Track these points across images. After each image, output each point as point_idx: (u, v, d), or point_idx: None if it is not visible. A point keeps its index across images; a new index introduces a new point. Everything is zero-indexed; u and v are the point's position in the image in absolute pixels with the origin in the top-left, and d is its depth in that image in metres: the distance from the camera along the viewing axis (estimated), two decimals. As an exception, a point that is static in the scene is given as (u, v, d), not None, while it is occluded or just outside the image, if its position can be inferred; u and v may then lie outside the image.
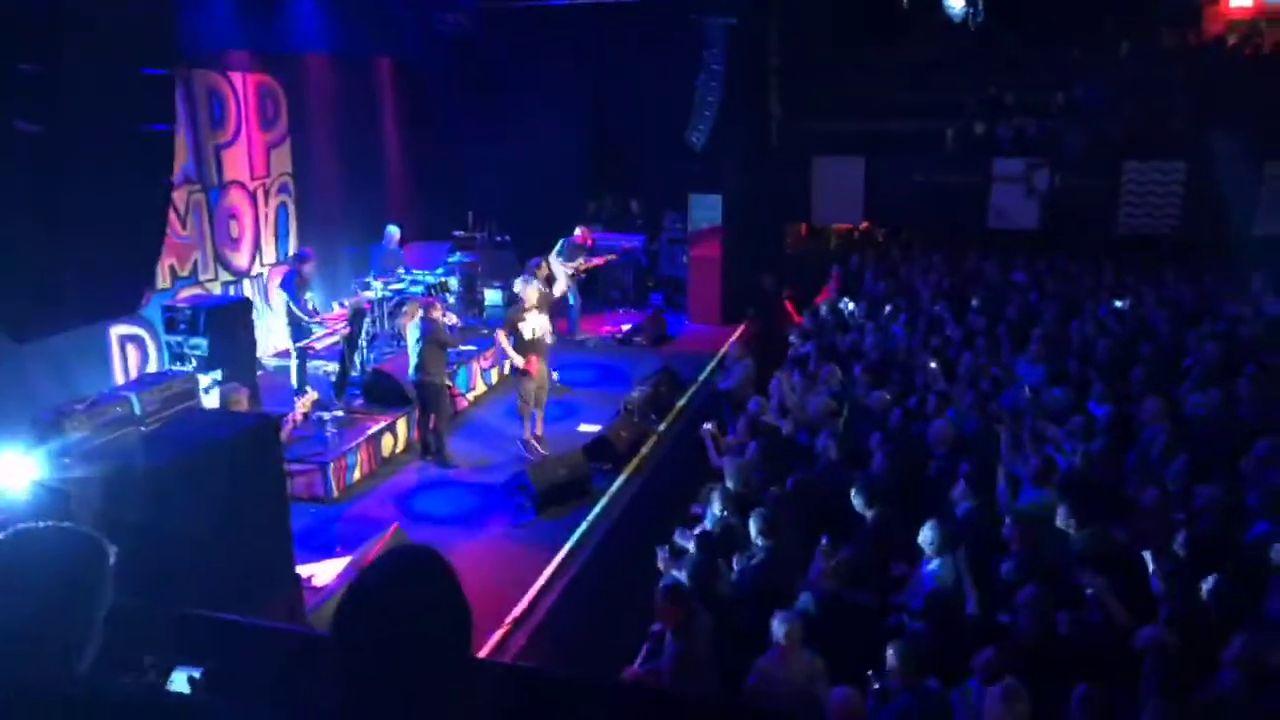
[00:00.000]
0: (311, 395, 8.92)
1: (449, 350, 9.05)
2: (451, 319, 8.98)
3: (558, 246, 12.33)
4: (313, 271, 9.92)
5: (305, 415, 8.76)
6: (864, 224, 17.03)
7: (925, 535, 5.48)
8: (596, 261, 12.89)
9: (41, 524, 1.77)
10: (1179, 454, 6.45)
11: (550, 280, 10.51)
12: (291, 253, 11.72)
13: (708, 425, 7.96)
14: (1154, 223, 13.67)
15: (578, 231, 12.69)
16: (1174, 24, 15.35)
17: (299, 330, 9.51)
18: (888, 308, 11.56)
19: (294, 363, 9.53)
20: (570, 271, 12.25)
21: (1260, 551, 5.22)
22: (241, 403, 7.29)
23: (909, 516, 5.99)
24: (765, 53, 15.13)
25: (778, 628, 4.69)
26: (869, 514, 6.01)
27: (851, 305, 11.98)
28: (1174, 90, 13.86)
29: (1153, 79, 14.24)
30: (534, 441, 9.05)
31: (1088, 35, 14.89)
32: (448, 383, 9.69)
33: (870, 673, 4.35)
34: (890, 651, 4.29)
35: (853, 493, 6.10)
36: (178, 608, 2.95)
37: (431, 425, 8.85)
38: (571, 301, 12.43)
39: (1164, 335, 9.77)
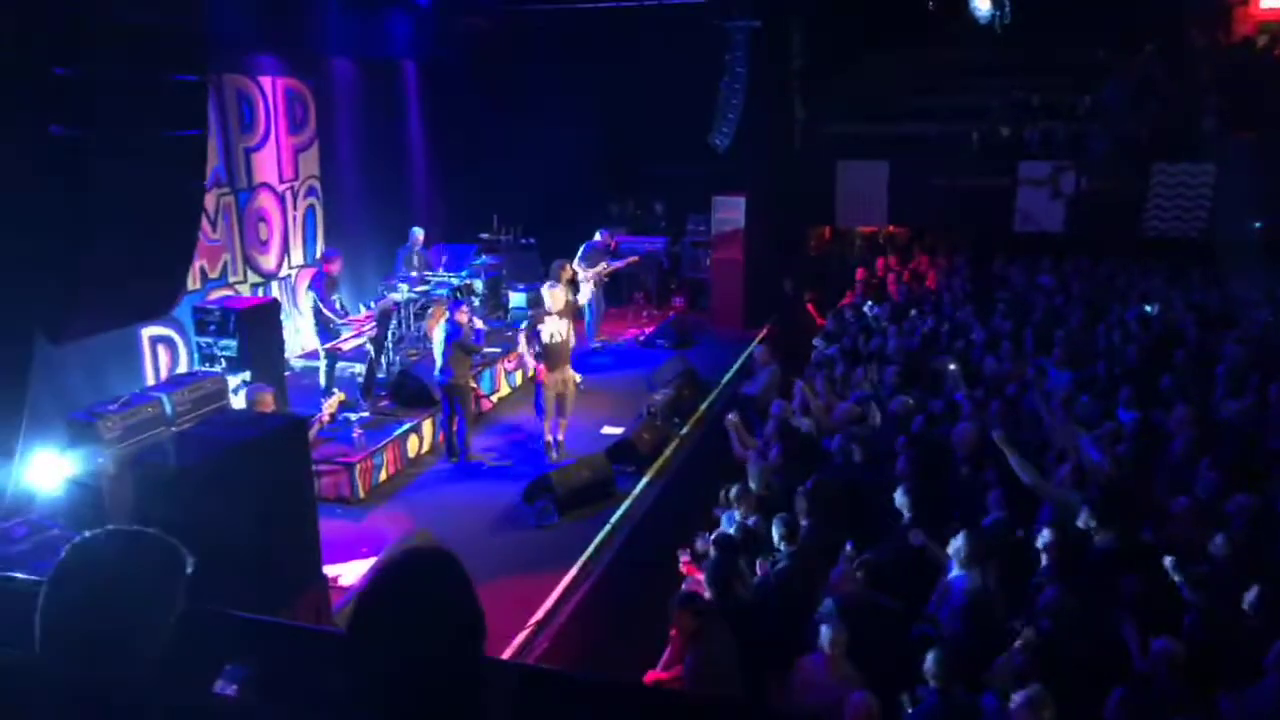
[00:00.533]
0: (338, 396, 9.01)
1: (476, 354, 9.11)
2: (478, 324, 9.03)
3: (580, 251, 12.33)
4: (340, 271, 10.01)
5: (332, 416, 8.85)
6: (890, 227, 16.97)
7: (955, 546, 5.41)
8: (618, 265, 12.86)
9: (122, 528, 1.82)
10: (1209, 461, 6.38)
11: (575, 283, 10.54)
12: (320, 256, 11.84)
13: (731, 416, 8.00)
14: (1182, 226, 13.54)
15: (599, 236, 12.67)
16: (1203, 25, 15.18)
17: (326, 332, 9.60)
18: (912, 311, 11.52)
19: (323, 364, 9.62)
20: (592, 276, 12.25)
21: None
22: (268, 403, 7.37)
23: (934, 520, 5.97)
24: (788, 55, 15.13)
25: (824, 635, 4.68)
26: (908, 515, 5.97)
27: (875, 308, 11.95)
28: (1203, 92, 13.72)
29: (1181, 81, 14.11)
30: (551, 445, 9.10)
31: (1115, 37, 14.76)
32: (472, 384, 9.76)
33: (904, 696, 4.36)
34: (928, 658, 4.28)
35: (898, 493, 6.06)
36: (211, 606, 3.00)
37: (455, 426, 8.92)
38: (591, 307, 12.38)
39: (1193, 340, 9.67)
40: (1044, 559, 5.37)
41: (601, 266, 12.37)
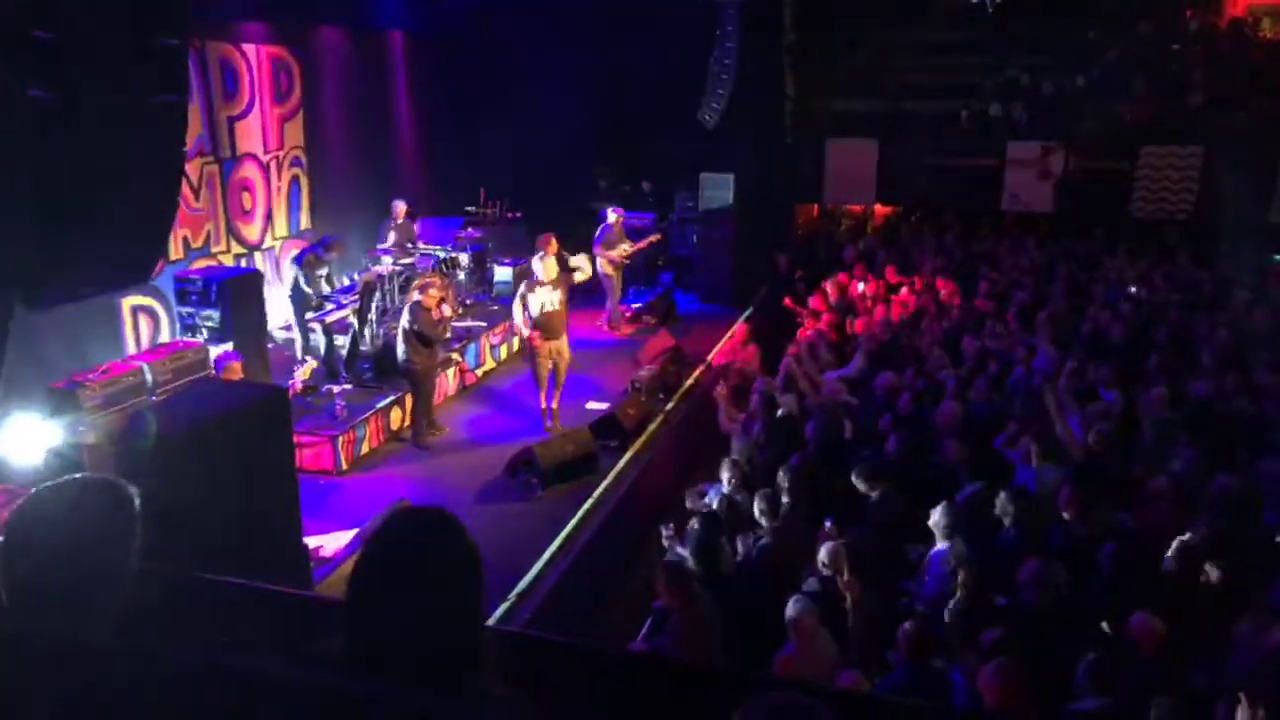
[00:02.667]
0: (310, 364, 8.88)
1: (437, 343, 8.81)
2: (446, 311, 8.83)
3: (596, 234, 12.12)
4: (335, 258, 9.90)
5: (305, 385, 8.72)
6: (878, 205, 16.96)
7: (935, 518, 5.46)
8: (640, 245, 12.58)
9: (69, 478, 1.82)
10: (1188, 441, 6.44)
11: (562, 259, 10.47)
12: (305, 226, 11.76)
13: (720, 387, 8.02)
14: (1169, 207, 13.58)
15: (611, 215, 12.32)
16: (1194, 6, 15.16)
17: (304, 306, 9.50)
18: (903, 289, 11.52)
19: (298, 335, 9.53)
20: (616, 258, 12.05)
21: (1271, 539, 5.23)
22: (236, 372, 7.31)
23: (919, 498, 6.00)
24: (780, 31, 15.03)
25: (791, 616, 4.69)
26: (873, 494, 6.02)
27: (862, 287, 11.94)
28: (1193, 74, 13.72)
29: (1171, 62, 14.11)
30: (546, 413, 9.13)
31: (1106, 17, 14.73)
32: (457, 357, 9.73)
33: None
34: (901, 629, 4.32)
35: (854, 474, 6.11)
36: (192, 572, 3.00)
37: (410, 408, 8.88)
38: (608, 291, 12.16)
39: (1177, 321, 9.73)
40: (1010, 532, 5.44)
41: (623, 248, 12.18)
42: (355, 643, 1.57)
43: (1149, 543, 5.19)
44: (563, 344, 9.03)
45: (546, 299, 8.78)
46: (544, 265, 8.81)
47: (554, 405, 9.20)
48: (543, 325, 8.80)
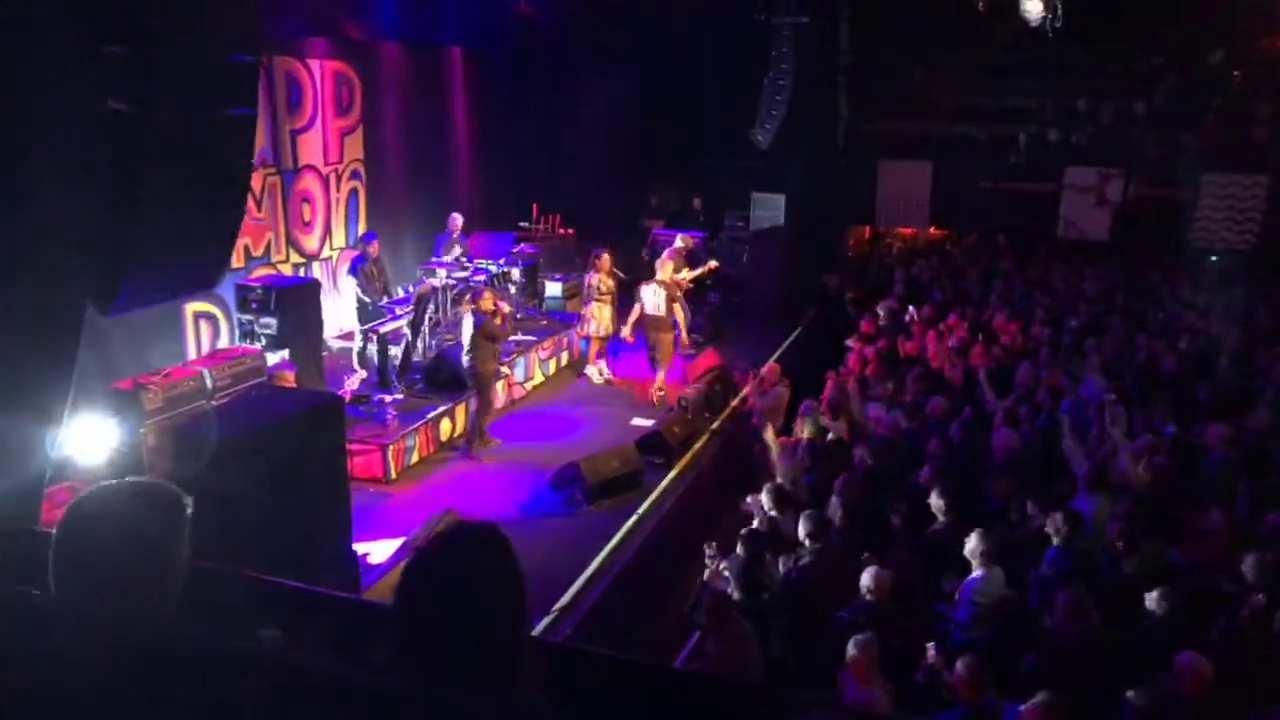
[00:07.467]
0: (360, 374, 9.02)
1: (502, 340, 9.09)
2: (504, 308, 8.98)
3: (662, 255, 12.19)
4: (377, 252, 10.13)
5: (354, 395, 8.83)
6: (931, 229, 16.83)
7: (971, 545, 5.41)
8: (700, 272, 12.51)
9: (118, 480, 1.88)
10: (1245, 477, 6.29)
11: (613, 274, 10.54)
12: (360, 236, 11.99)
13: (768, 435, 7.99)
14: (1232, 238, 13.29)
15: (678, 242, 12.23)
16: (1260, 32, 14.86)
17: (366, 313, 9.72)
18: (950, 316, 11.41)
19: (358, 344, 9.73)
20: (683, 283, 12.08)
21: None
22: (288, 380, 7.49)
23: (968, 526, 5.94)
24: (835, 53, 15.03)
25: (852, 652, 4.66)
26: (942, 518, 5.98)
27: (913, 311, 11.85)
28: (1258, 100, 13.45)
29: (1236, 88, 13.84)
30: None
31: (1168, 43, 14.50)
32: (506, 370, 9.84)
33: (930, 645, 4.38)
34: (959, 665, 4.28)
35: (933, 496, 6.07)
36: (248, 571, 3.09)
37: (467, 414, 9.03)
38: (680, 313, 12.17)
39: (1235, 353, 9.51)
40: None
41: (685, 274, 12.20)
42: (400, 649, 1.62)
43: (1200, 579, 5.09)
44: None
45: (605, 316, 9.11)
46: (605, 283, 9.03)
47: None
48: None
